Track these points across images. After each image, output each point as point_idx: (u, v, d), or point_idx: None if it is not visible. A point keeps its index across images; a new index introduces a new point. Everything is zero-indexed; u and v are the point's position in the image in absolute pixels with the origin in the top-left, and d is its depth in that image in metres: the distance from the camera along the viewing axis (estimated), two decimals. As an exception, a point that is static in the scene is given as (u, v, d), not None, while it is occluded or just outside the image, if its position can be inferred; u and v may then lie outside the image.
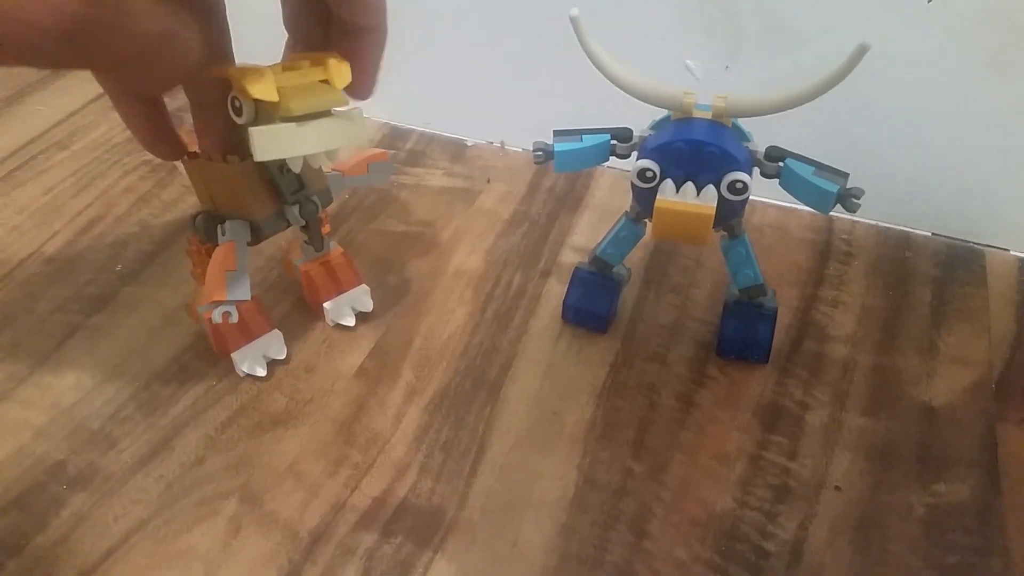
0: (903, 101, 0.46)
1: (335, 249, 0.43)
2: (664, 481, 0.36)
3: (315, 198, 0.39)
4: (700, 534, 0.34)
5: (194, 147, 0.37)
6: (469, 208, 0.52)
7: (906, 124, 0.47)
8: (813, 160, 0.35)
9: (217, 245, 0.38)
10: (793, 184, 0.35)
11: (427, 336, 0.43)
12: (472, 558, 0.33)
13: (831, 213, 0.48)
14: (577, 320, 0.43)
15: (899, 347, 0.42)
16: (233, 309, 0.37)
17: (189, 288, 0.39)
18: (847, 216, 0.50)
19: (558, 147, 0.37)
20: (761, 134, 0.37)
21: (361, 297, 0.44)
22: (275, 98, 0.31)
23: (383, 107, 0.59)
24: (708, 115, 0.35)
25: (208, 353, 0.42)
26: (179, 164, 0.39)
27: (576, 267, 0.43)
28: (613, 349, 0.42)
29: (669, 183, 0.35)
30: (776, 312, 0.40)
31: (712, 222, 0.35)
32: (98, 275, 0.47)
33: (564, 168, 0.38)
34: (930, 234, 0.49)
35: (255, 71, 0.31)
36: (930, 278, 0.46)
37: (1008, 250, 0.48)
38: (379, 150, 0.43)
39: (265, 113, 0.32)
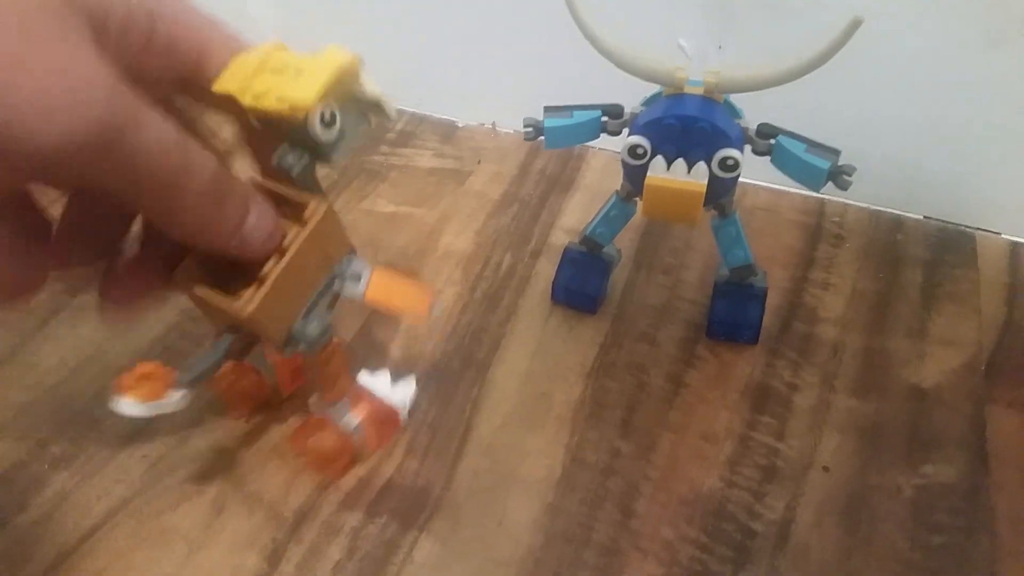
0: (896, 82, 0.46)
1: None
2: (652, 460, 0.36)
3: None
4: (687, 513, 0.34)
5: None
6: (459, 189, 0.51)
7: (899, 106, 0.46)
8: (805, 137, 0.35)
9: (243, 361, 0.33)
10: (784, 161, 0.35)
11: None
12: (457, 538, 0.33)
13: (823, 195, 0.49)
14: (567, 300, 0.43)
15: (889, 329, 0.42)
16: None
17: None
18: (839, 199, 0.50)
19: (548, 123, 0.37)
20: (753, 111, 0.37)
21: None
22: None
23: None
24: (700, 91, 0.35)
25: (194, 332, 0.41)
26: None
27: (566, 247, 0.43)
28: (603, 330, 0.42)
29: (660, 160, 0.35)
30: (765, 293, 0.40)
31: (703, 200, 0.35)
32: (83, 254, 0.46)
33: (555, 144, 0.38)
34: (921, 217, 0.49)
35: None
36: (921, 261, 0.46)
37: (999, 233, 0.48)
38: None
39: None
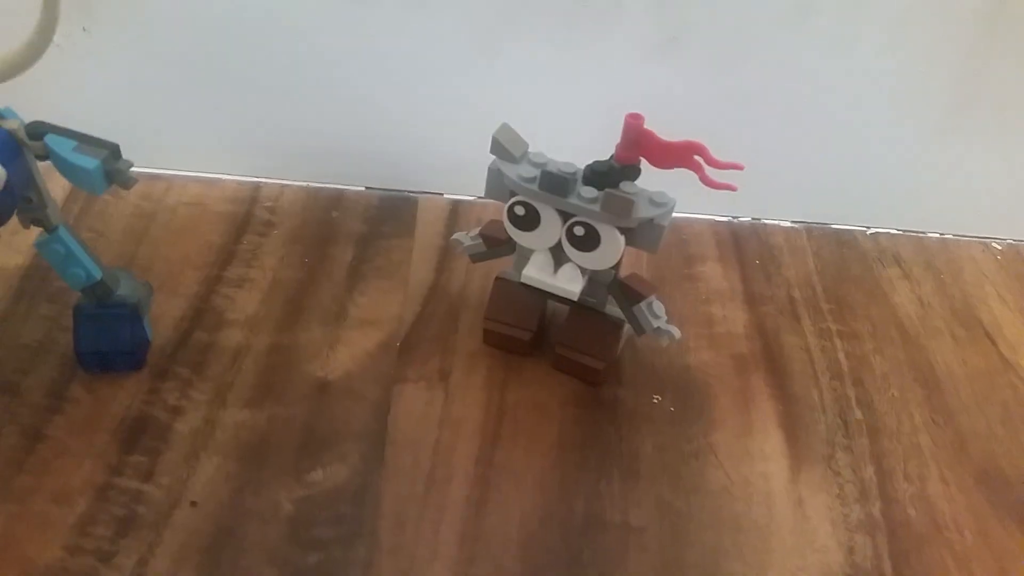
0: (323, 58, 0.42)
1: None
2: (-29, 549, 0.29)
3: None
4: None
5: None
6: None
7: (330, 83, 0.43)
8: (78, 133, 0.29)
9: None
10: (58, 164, 0.29)
11: None
12: None
13: (259, 179, 0.44)
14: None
15: (304, 321, 0.39)
16: None
17: None
18: (276, 180, 0.46)
19: None
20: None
21: None
22: None
23: None
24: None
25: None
26: None
27: None
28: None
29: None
30: (135, 310, 0.35)
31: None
32: None
33: None
34: (364, 188, 0.46)
35: None
36: (355, 236, 0.43)
37: (441, 194, 0.47)
38: None
39: None
